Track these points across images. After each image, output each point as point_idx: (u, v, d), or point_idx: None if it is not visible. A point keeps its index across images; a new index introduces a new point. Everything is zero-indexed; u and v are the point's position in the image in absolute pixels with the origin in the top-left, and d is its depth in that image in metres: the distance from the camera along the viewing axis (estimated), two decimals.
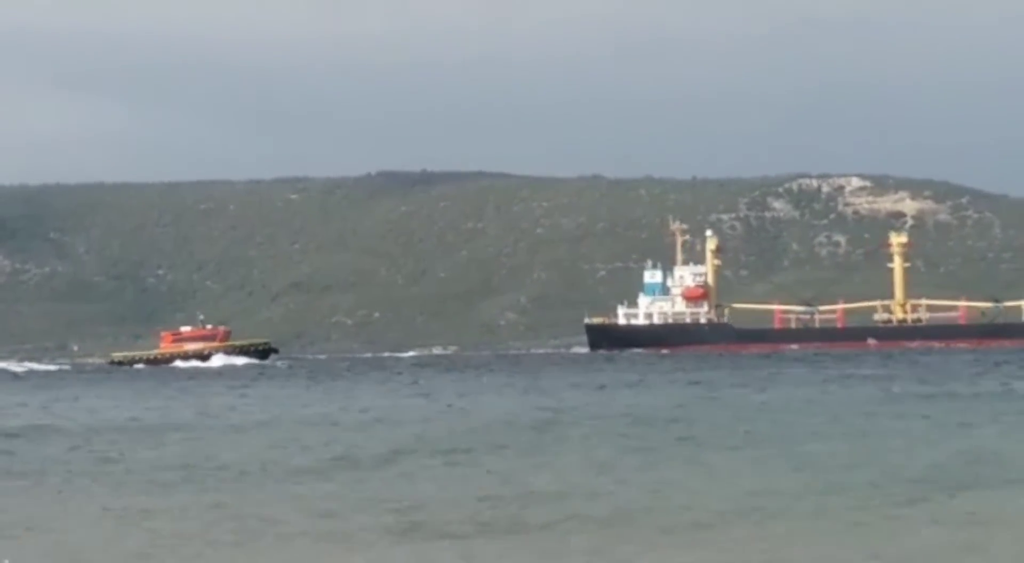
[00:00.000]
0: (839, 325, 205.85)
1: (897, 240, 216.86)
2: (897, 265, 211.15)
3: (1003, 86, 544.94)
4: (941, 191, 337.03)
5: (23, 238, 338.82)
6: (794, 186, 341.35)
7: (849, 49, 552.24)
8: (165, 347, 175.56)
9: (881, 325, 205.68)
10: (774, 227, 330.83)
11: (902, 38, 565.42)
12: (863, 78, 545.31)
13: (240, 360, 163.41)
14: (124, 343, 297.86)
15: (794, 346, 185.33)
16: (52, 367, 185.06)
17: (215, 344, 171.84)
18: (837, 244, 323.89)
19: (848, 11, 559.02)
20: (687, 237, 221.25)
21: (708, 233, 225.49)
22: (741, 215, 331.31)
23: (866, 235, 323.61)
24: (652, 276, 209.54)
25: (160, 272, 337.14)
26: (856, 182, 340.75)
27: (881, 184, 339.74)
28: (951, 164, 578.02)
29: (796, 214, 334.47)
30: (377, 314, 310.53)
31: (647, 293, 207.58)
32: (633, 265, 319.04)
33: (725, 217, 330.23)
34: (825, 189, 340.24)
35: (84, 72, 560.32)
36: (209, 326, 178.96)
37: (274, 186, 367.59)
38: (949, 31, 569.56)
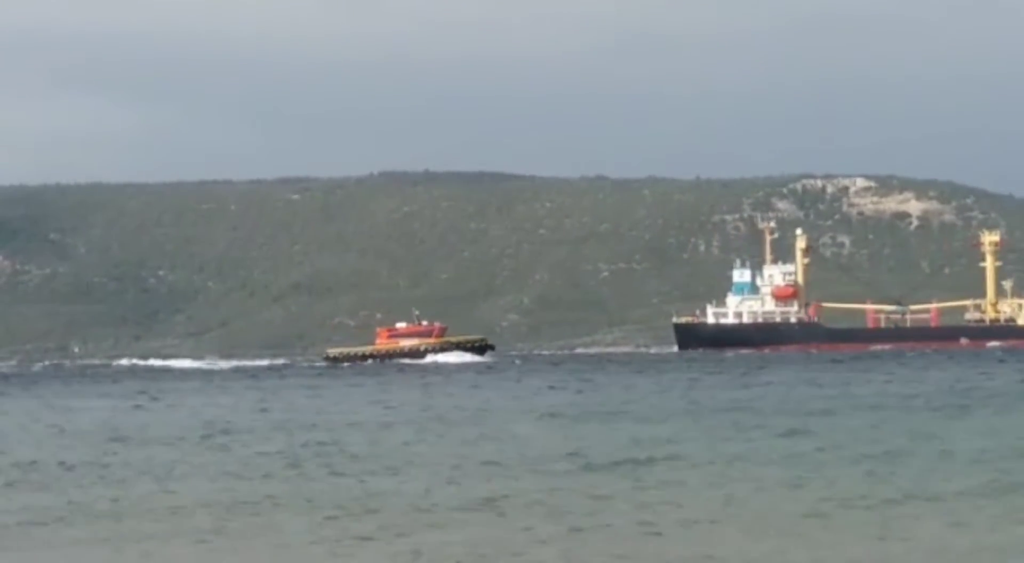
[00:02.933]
0: (933, 324, 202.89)
1: (989, 238, 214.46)
2: (989, 264, 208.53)
3: (1008, 86, 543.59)
4: (946, 191, 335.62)
5: (23, 239, 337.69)
6: (798, 186, 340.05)
7: (853, 49, 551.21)
8: (381, 343, 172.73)
9: (973, 324, 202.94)
10: (778, 228, 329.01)
11: (906, 38, 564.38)
12: (868, 78, 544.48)
13: (458, 356, 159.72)
14: (125, 344, 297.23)
15: (887, 346, 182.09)
16: (265, 362, 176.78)
17: (431, 340, 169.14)
18: (842, 245, 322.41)
19: (853, 10, 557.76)
20: (775, 235, 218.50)
21: (798, 231, 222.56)
22: (745, 216, 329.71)
23: (870, 236, 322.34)
24: (741, 275, 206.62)
25: (161, 273, 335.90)
26: (861, 182, 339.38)
27: (886, 185, 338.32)
28: (956, 164, 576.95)
29: (800, 214, 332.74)
30: (379, 315, 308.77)
31: (736, 292, 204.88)
32: (636, 266, 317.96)
33: (729, 218, 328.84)
34: (830, 190, 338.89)
35: (84, 71, 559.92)
36: (424, 322, 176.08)
37: (275, 186, 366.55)
38: (954, 31, 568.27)
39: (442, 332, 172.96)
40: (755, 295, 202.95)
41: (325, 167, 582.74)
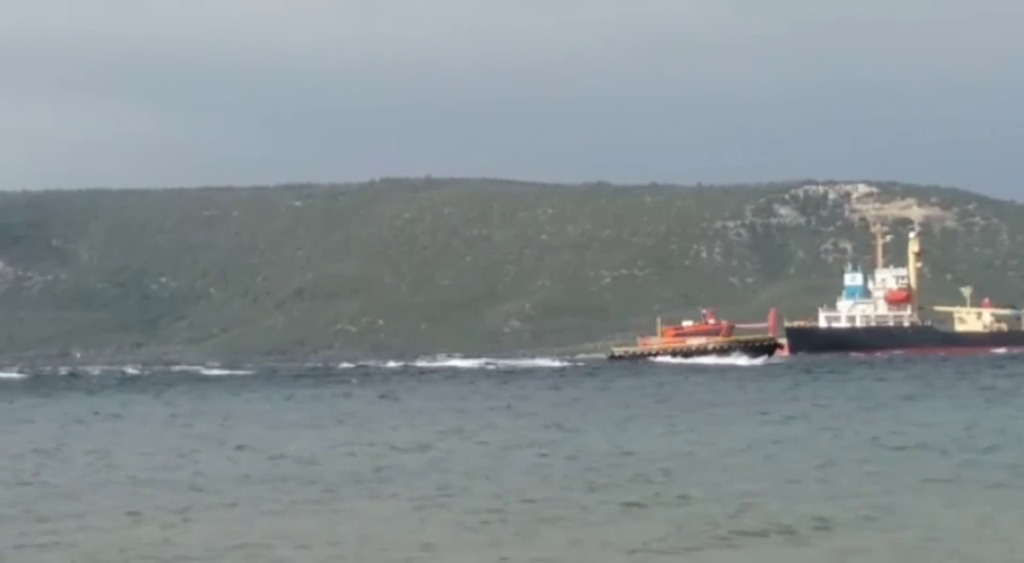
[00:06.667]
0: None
1: None
2: None
3: (1010, 92, 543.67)
4: (948, 197, 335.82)
5: (25, 245, 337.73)
6: (800, 192, 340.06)
7: (855, 55, 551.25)
8: (666, 341, 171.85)
9: None
10: (780, 234, 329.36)
11: (909, 44, 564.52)
12: (869, 84, 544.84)
13: (744, 357, 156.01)
14: (127, 351, 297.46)
15: (1001, 349, 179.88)
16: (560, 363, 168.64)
17: (718, 339, 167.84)
18: (844, 251, 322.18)
19: (856, 17, 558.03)
20: (887, 239, 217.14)
21: (911, 234, 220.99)
22: (747, 222, 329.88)
23: (872, 242, 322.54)
24: (853, 279, 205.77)
25: (163, 279, 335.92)
26: (863, 188, 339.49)
27: (888, 190, 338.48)
28: (958, 170, 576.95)
29: (802, 221, 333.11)
30: (381, 321, 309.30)
31: (848, 296, 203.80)
32: (638, 272, 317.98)
33: (731, 224, 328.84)
34: (831, 196, 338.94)
35: (87, 77, 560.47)
36: (712, 320, 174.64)
37: (278, 192, 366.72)
38: (956, 37, 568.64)
39: (729, 330, 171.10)
40: (867, 299, 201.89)
41: (327, 173, 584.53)
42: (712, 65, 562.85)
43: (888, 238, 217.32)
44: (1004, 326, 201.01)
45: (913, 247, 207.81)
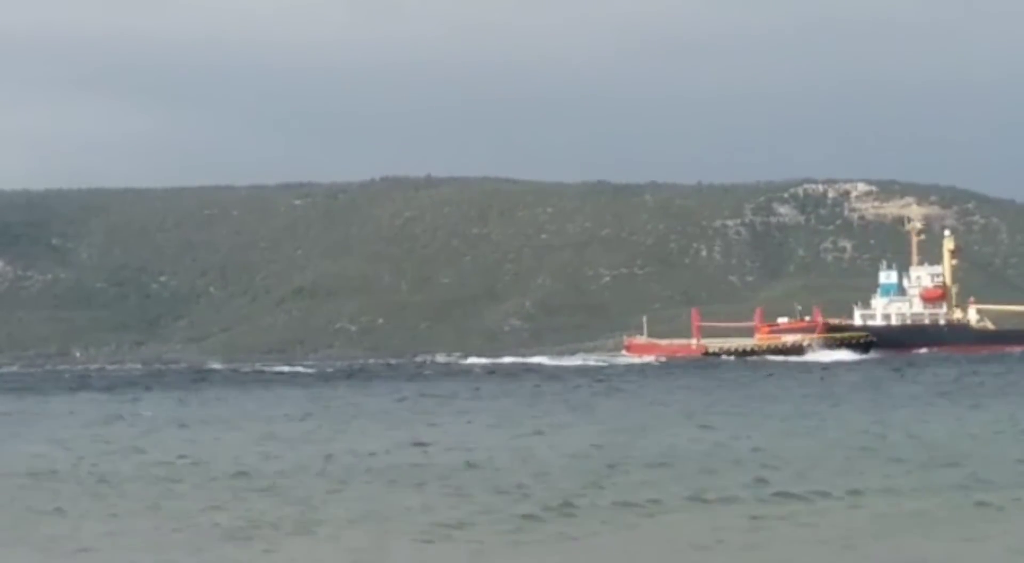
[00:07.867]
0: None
1: None
2: None
3: (1009, 91, 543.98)
4: (947, 196, 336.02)
5: (25, 244, 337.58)
6: (800, 191, 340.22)
7: (854, 53, 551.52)
8: (761, 338, 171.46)
9: None
10: (780, 233, 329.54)
11: (908, 42, 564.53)
12: (869, 82, 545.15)
13: (842, 354, 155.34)
14: (126, 350, 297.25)
15: None
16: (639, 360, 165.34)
17: (814, 336, 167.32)
18: (843, 250, 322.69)
19: (855, 15, 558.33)
20: (921, 237, 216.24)
21: (947, 233, 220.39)
22: (746, 221, 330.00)
23: (872, 241, 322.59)
24: (888, 277, 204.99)
25: (163, 278, 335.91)
26: (862, 187, 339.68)
27: (887, 189, 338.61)
28: (957, 169, 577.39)
29: (802, 219, 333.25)
30: (381, 320, 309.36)
31: (883, 294, 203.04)
32: (638, 271, 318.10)
33: (730, 223, 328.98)
34: (831, 194, 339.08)
35: (86, 76, 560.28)
36: (807, 317, 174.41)
37: (277, 191, 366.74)
38: (955, 35, 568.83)
39: (824, 327, 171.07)
40: (902, 297, 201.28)
41: (327, 172, 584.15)
42: (712, 64, 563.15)
43: (922, 236, 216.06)
44: (990, 324, 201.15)
45: (948, 245, 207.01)
